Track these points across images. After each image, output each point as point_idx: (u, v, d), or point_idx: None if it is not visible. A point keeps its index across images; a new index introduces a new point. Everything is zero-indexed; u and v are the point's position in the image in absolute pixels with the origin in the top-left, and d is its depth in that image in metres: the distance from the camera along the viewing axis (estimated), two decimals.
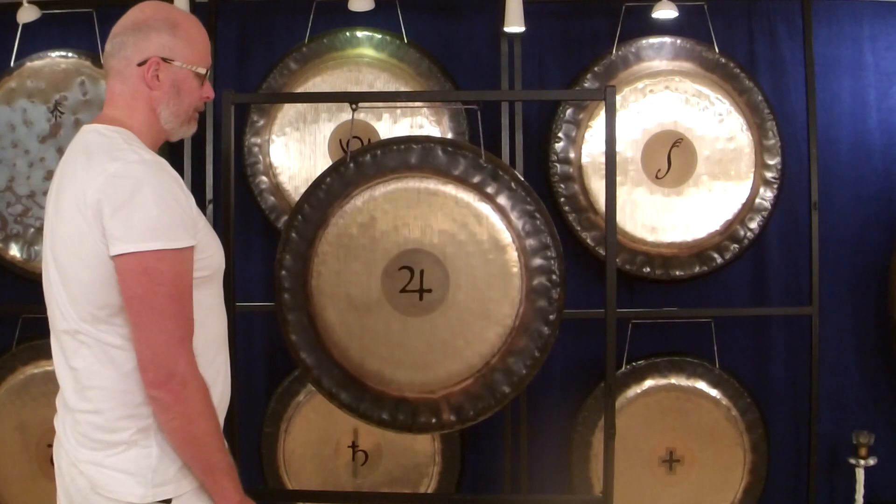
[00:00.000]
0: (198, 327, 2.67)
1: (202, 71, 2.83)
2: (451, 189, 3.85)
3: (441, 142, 3.98)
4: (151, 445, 2.63)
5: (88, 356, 2.63)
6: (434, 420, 3.90)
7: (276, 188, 5.17)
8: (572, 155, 5.13)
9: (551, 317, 3.84)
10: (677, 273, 5.15)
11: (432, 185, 3.87)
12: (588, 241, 5.15)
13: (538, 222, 3.86)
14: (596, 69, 5.14)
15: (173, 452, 2.65)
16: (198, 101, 2.87)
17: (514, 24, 4.86)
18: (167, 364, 2.52)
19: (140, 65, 2.72)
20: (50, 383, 4.61)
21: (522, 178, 3.98)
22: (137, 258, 2.50)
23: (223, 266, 2.86)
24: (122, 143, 2.64)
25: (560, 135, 5.12)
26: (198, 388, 2.58)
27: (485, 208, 3.86)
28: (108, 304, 2.57)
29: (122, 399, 2.61)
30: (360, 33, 5.22)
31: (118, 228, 2.50)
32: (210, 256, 2.74)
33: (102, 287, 2.56)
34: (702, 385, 5.15)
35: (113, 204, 2.50)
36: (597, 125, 5.06)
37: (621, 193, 4.94)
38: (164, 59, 2.74)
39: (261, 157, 5.17)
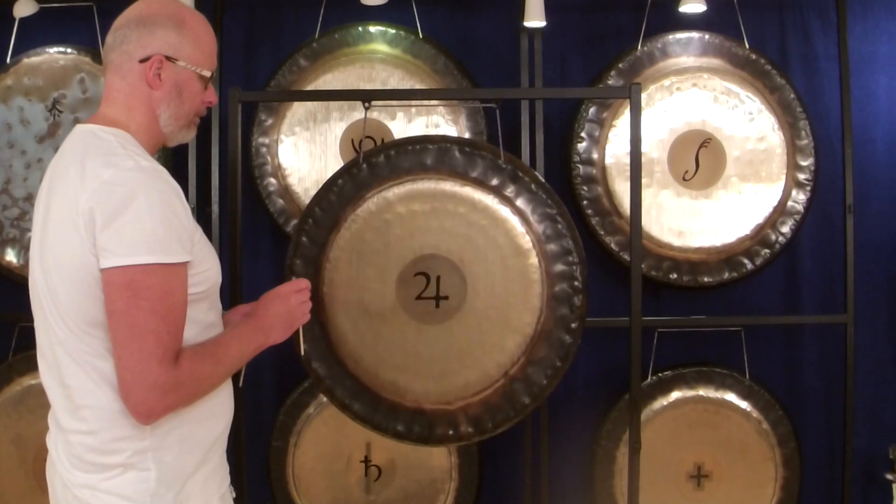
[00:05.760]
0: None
1: (207, 74, 2.82)
2: (468, 191, 3.84)
3: (458, 142, 3.95)
4: (149, 469, 2.60)
5: (80, 373, 2.59)
6: (451, 432, 3.88)
7: (285, 190, 5.17)
8: (595, 156, 5.13)
9: (573, 325, 3.83)
10: (705, 279, 5.15)
11: (449, 187, 3.85)
12: (612, 245, 5.16)
13: (560, 226, 3.84)
14: (620, 66, 5.15)
15: (172, 476, 2.64)
16: (199, 106, 2.86)
17: (535, 19, 4.87)
18: (147, 386, 2.47)
19: (142, 61, 2.70)
20: None
21: (543, 180, 3.97)
22: (124, 271, 2.46)
23: (220, 281, 2.85)
24: (117, 147, 2.60)
25: (583, 134, 5.13)
26: (189, 381, 2.56)
27: (504, 211, 3.84)
28: (95, 319, 2.54)
29: (117, 419, 2.57)
30: (372, 28, 5.23)
31: (110, 240, 2.46)
32: (207, 271, 2.72)
33: (89, 300, 2.53)
34: (731, 397, 5.15)
35: (105, 214, 2.47)
36: (621, 124, 5.07)
37: (647, 196, 4.95)
38: (168, 58, 2.72)
39: (269, 157, 5.18)
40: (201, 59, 2.79)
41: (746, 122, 5.06)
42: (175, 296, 2.54)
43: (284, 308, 3.01)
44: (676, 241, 5.10)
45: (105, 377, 2.57)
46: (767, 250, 5.12)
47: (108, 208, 2.47)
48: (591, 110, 5.13)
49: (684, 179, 5.07)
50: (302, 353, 3.47)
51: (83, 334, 2.56)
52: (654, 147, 5.07)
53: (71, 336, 2.58)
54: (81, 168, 2.56)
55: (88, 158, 2.57)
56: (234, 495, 2.96)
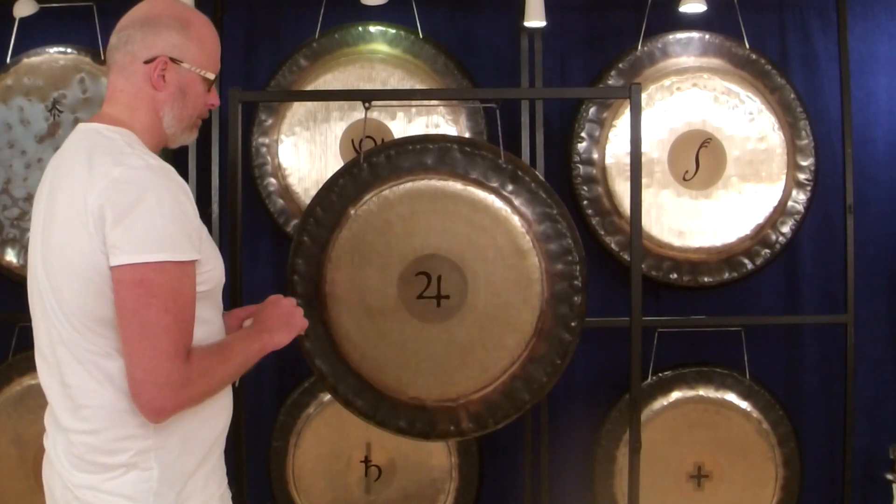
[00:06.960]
0: (197, 344, 2.66)
1: (210, 76, 2.82)
2: (469, 191, 3.85)
3: (458, 142, 3.96)
4: (152, 468, 2.60)
5: (82, 372, 2.59)
6: (453, 428, 3.91)
7: (286, 190, 5.18)
8: (595, 156, 5.14)
9: (573, 323, 3.84)
10: (706, 279, 5.15)
11: (449, 186, 3.86)
12: (612, 245, 5.16)
13: (560, 226, 3.85)
14: (620, 66, 5.16)
15: (175, 475, 2.64)
16: (202, 108, 2.87)
17: (535, 19, 4.87)
18: (160, 383, 2.47)
19: (146, 62, 2.70)
20: None
21: (543, 180, 3.98)
22: (135, 269, 2.46)
23: (223, 280, 2.85)
24: (124, 145, 2.61)
25: (583, 134, 5.13)
26: (199, 379, 2.56)
27: (504, 211, 3.85)
28: (102, 317, 2.54)
29: (121, 419, 2.57)
30: (373, 28, 5.23)
31: (120, 238, 2.46)
32: (212, 270, 2.73)
33: (96, 298, 2.53)
34: (731, 397, 5.15)
35: (116, 211, 2.47)
36: (621, 124, 5.07)
37: (647, 196, 4.96)
38: (173, 60, 2.72)
39: (269, 157, 5.18)
40: (205, 62, 2.80)
41: (746, 122, 5.06)
42: (185, 293, 2.55)
43: (281, 309, 3.03)
44: (676, 241, 5.10)
45: (109, 376, 2.56)
46: (767, 250, 5.12)
47: (118, 206, 2.47)
48: (591, 110, 5.13)
49: (684, 179, 5.07)
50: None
51: (89, 333, 2.56)
52: (655, 147, 5.07)
53: (75, 335, 2.57)
54: (89, 166, 2.55)
55: (96, 156, 2.57)
56: (230, 495, 2.97)
